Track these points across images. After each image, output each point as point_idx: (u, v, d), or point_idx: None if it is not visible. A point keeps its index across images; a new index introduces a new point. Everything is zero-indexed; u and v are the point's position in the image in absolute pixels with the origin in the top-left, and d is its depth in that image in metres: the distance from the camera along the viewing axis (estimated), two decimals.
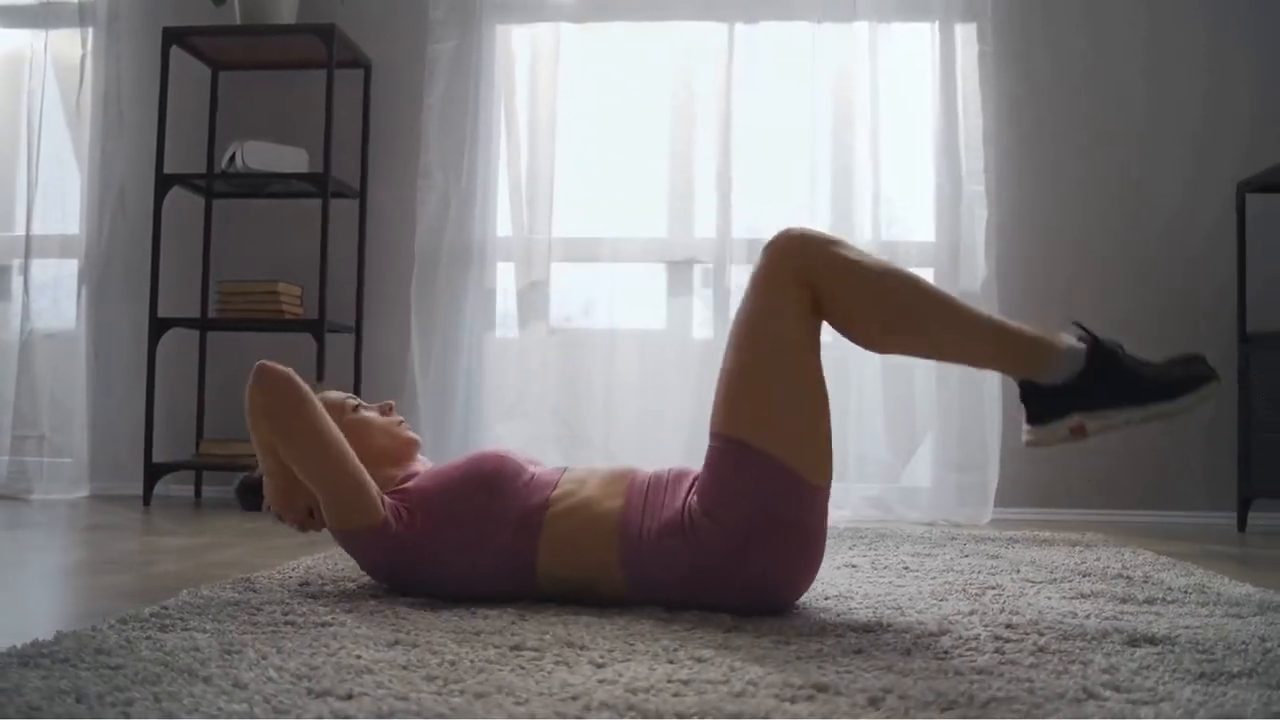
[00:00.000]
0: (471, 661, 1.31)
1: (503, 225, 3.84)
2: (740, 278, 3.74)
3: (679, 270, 3.84)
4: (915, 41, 3.74)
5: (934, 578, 2.13)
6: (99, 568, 2.19)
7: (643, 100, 3.82)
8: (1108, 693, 1.21)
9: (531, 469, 1.80)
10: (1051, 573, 2.20)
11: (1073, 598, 1.90)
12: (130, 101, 3.89)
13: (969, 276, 3.60)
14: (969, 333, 1.65)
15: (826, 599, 1.86)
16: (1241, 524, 3.32)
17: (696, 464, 1.76)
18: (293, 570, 2.04)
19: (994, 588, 1.99)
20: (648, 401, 3.74)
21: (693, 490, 1.70)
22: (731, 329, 1.71)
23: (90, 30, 3.83)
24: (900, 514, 3.54)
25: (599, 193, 3.81)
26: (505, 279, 3.82)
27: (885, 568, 2.28)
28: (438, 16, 3.80)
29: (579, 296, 3.87)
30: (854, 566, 2.29)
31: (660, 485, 1.74)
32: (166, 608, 1.60)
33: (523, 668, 1.30)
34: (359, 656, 1.33)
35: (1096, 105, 3.71)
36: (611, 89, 3.85)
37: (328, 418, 1.73)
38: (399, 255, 3.87)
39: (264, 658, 1.30)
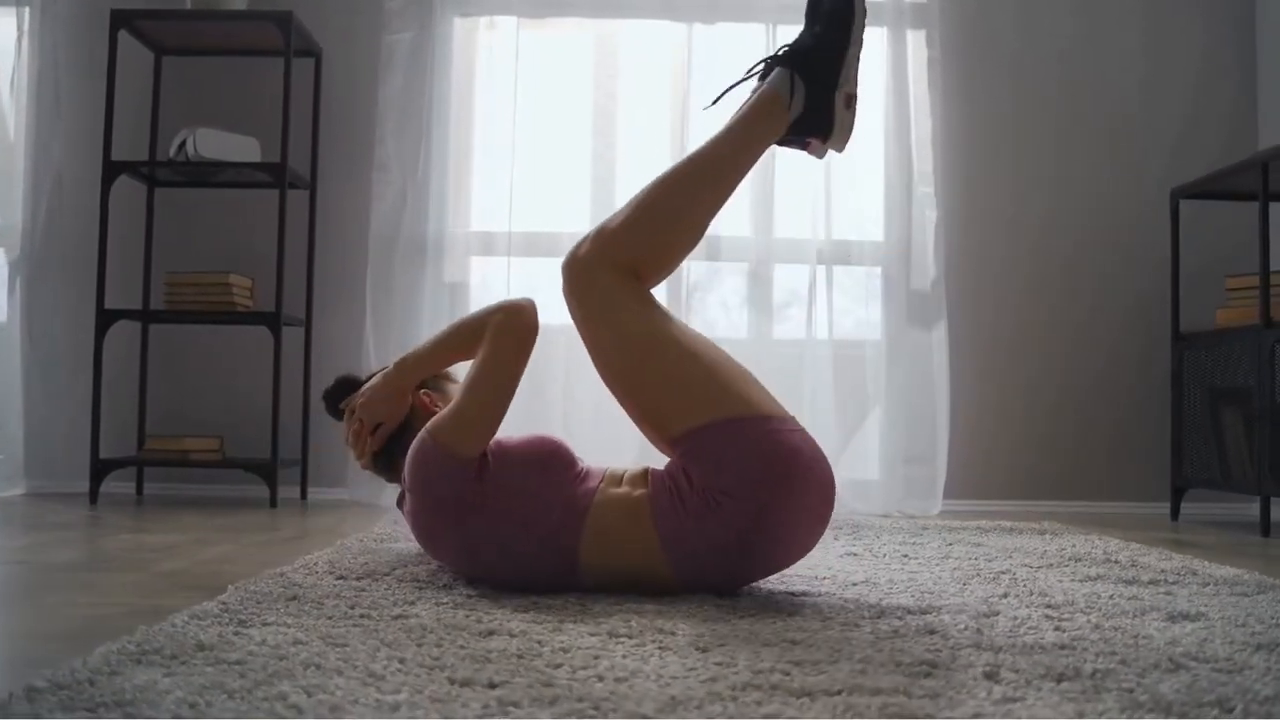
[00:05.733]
0: (582, 649, 1.33)
1: (460, 219, 3.83)
2: (696, 272, 3.81)
3: None
4: (868, 47, 3.82)
5: (938, 564, 2.22)
6: (100, 566, 2.12)
7: (600, 97, 3.84)
8: (1192, 663, 1.30)
9: (583, 462, 1.83)
10: (1043, 558, 2.32)
11: (1082, 580, 2.00)
12: (67, 85, 3.74)
13: (919, 276, 3.72)
14: (729, 159, 1.83)
15: (854, 585, 1.93)
16: (1175, 513, 3.52)
17: (658, 459, 1.87)
18: (314, 564, 2.01)
19: (1005, 572, 2.09)
20: (604, 397, 3.75)
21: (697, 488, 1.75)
22: (595, 363, 1.83)
23: (26, 10, 3.67)
24: (852, 506, 3.64)
25: (557, 188, 3.82)
26: (465, 273, 3.80)
27: (884, 556, 2.37)
28: (394, 7, 3.76)
29: (538, 292, 3.85)
30: (855, 555, 2.37)
31: (678, 472, 1.77)
32: (226, 604, 1.58)
33: (633, 653, 1.32)
34: (463, 646, 1.33)
35: (1040, 112, 3.88)
36: (570, 85, 3.87)
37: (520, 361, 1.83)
38: (350, 247, 3.82)
39: (376, 650, 1.30)
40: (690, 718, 1.05)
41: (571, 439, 3.54)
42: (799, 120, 1.83)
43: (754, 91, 1.86)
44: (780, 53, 1.84)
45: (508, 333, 1.81)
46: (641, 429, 1.83)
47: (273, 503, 3.45)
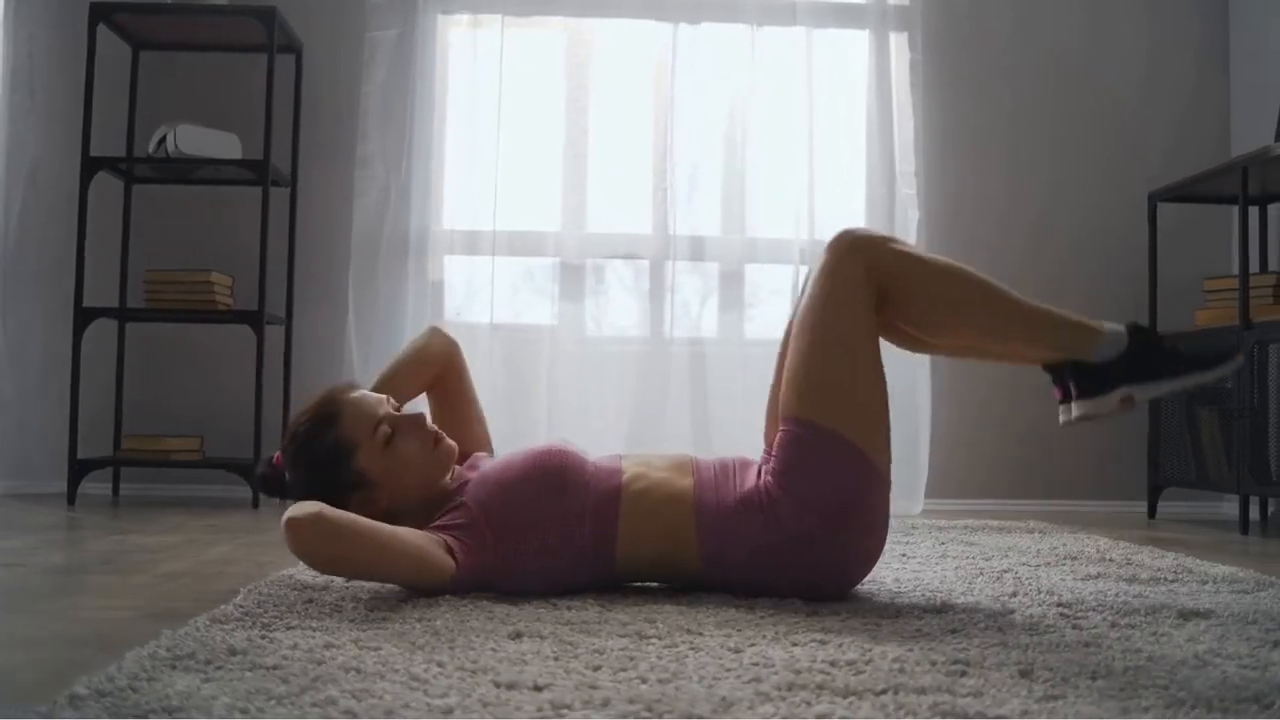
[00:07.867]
0: (615, 650, 1.33)
1: (445, 218, 3.81)
2: (679, 274, 3.81)
3: (618, 266, 3.86)
4: (851, 48, 3.89)
5: (938, 563, 2.24)
6: (100, 568, 2.08)
7: (584, 96, 3.83)
8: (1218, 660, 1.32)
9: (591, 458, 1.83)
10: (1039, 556, 2.35)
11: (1084, 579, 2.03)
12: (44, 79, 3.68)
13: None
14: (1022, 321, 1.79)
15: (863, 583, 1.94)
16: (1152, 512, 3.58)
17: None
18: None
19: (1007, 571, 2.11)
20: (590, 394, 3.76)
21: (764, 473, 1.76)
22: (798, 319, 1.79)
23: (1, 3, 3.59)
24: None
25: (540, 187, 3.81)
26: (449, 271, 3.79)
27: (883, 554, 2.38)
28: (377, 3, 3.75)
29: (519, 290, 3.85)
30: None
31: (727, 469, 1.80)
32: (244, 607, 1.56)
33: (667, 653, 1.32)
34: (495, 649, 1.33)
35: (1022, 116, 3.93)
36: (554, 84, 3.86)
37: (366, 527, 1.61)
38: (331, 245, 3.80)
39: (411, 653, 1.29)
40: (744, 718, 1.06)
41: (557, 435, 3.59)
42: (1079, 365, 1.76)
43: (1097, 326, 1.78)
44: (1147, 328, 1.77)
45: (308, 562, 1.63)
46: (781, 391, 1.78)
47: (255, 503, 3.41)
